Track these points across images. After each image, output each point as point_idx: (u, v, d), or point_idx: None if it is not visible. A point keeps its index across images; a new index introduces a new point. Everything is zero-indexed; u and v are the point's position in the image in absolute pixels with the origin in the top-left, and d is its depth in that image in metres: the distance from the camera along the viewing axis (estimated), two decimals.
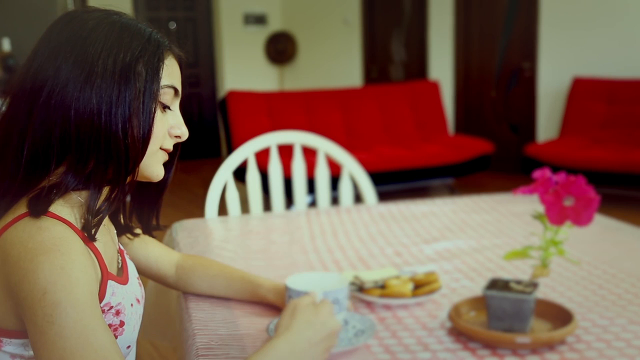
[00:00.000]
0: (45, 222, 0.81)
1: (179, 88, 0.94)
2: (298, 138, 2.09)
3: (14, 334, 0.84)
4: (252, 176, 2.04)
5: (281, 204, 2.09)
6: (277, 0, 7.65)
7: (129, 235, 1.07)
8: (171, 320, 1.46)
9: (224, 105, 5.20)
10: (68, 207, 0.87)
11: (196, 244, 1.59)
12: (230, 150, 5.10)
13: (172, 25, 7.59)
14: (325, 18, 7.34)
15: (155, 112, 0.88)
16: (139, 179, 0.93)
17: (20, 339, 0.84)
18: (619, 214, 2.67)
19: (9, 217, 0.84)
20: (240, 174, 2.24)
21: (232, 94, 5.23)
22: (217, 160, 7.38)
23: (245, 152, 2.03)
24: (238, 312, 1.16)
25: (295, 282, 1.03)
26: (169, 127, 0.93)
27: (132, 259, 1.12)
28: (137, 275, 1.05)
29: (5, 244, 0.80)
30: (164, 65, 0.90)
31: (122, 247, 1.05)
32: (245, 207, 2.06)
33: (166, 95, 0.91)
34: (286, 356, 0.85)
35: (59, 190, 0.85)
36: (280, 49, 7.58)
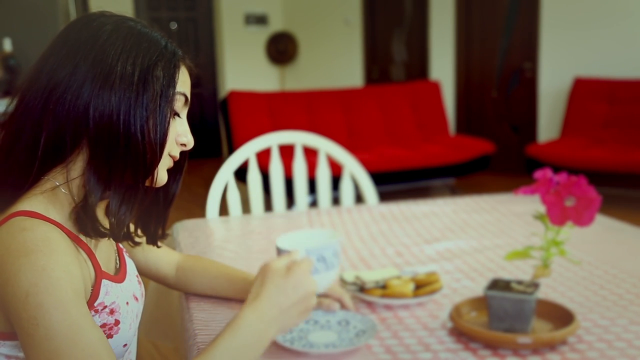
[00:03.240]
0: (30, 223, 0.82)
1: (189, 98, 0.95)
2: (299, 138, 2.09)
3: (7, 336, 0.84)
4: (253, 176, 2.04)
5: (282, 204, 2.09)
6: (278, 0, 7.65)
7: (130, 243, 1.07)
8: (172, 321, 1.46)
9: (225, 105, 5.20)
10: (57, 207, 0.87)
11: (197, 244, 1.59)
12: (231, 150, 5.10)
13: (173, 26, 7.59)
14: (326, 18, 7.34)
15: (170, 116, 0.89)
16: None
17: (14, 341, 0.84)
18: (620, 214, 2.67)
19: (3, 216, 0.84)
20: (241, 174, 2.24)
21: (233, 94, 5.23)
22: (218, 160, 7.38)
23: (247, 152, 2.03)
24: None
25: (285, 241, 1.00)
26: (176, 135, 0.94)
27: (131, 259, 1.12)
28: (136, 273, 1.05)
29: None
30: (180, 73, 0.91)
31: (121, 246, 1.05)
32: (246, 207, 2.06)
33: (178, 102, 0.92)
34: (255, 325, 0.84)
35: (94, 202, 0.85)
36: (281, 49, 7.58)
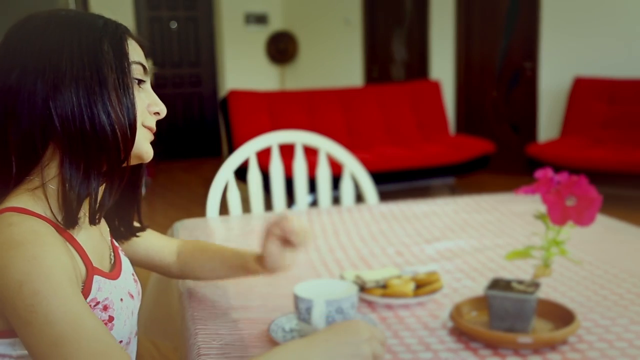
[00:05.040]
0: (17, 218, 0.81)
1: (147, 67, 0.94)
2: (299, 137, 2.09)
3: (0, 333, 0.83)
4: (253, 175, 2.04)
5: (282, 204, 2.09)
6: None
7: (137, 236, 1.08)
8: (172, 319, 1.46)
9: (225, 105, 5.20)
10: (42, 202, 0.86)
11: None
12: (231, 149, 5.09)
13: (173, 25, 7.59)
14: (327, 17, 7.34)
15: (132, 87, 0.89)
16: (131, 161, 0.93)
17: (7, 339, 0.83)
18: (620, 214, 2.66)
19: None
20: (241, 173, 2.23)
21: (233, 94, 5.23)
22: (218, 159, 7.38)
23: (247, 151, 2.03)
24: (239, 312, 1.16)
25: (302, 290, 1.03)
26: (147, 105, 0.94)
27: (133, 254, 1.11)
28: (132, 271, 1.05)
29: None
30: (128, 43, 0.91)
31: (116, 244, 1.05)
32: (246, 206, 2.06)
33: (137, 72, 0.92)
34: (297, 344, 0.83)
35: (81, 197, 0.85)
36: (282, 49, 7.58)
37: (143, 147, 0.93)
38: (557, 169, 1.50)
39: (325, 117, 5.44)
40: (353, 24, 7.09)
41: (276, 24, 7.66)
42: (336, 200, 2.40)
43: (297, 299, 1.00)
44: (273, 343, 1.03)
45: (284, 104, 5.41)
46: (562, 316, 1.05)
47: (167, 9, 7.54)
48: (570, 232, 1.03)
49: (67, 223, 0.86)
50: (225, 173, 1.97)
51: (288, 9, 7.65)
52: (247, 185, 2.06)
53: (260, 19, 7.57)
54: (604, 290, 1.23)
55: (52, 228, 0.84)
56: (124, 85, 0.87)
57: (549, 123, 5.83)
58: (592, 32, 5.48)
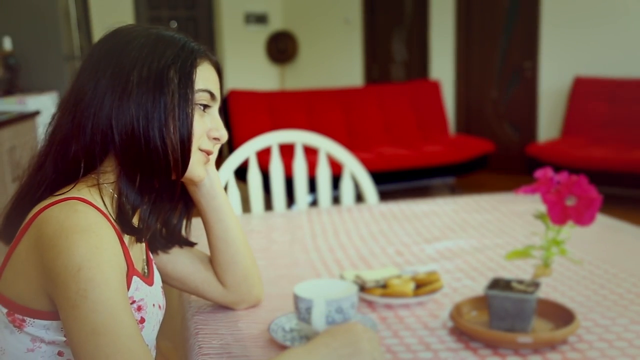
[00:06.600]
0: (82, 207, 0.84)
1: (216, 93, 0.96)
2: (299, 137, 2.09)
3: (39, 314, 0.85)
4: (253, 175, 2.04)
5: (282, 203, 2.09)
6: None
7: (190, 243, 1.11)
8: (172, 319, 1.46)
9: (225, 105, 5.20)
10: (98, 197, 0.90)
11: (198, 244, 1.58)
12: (231, 149, 5.09)
13: (173, 25, 7.59)
14: (327, 17, 7.34)
15: (192, 115, 0.91)
16: (183, 181, 0.97)
17: (44, 320, 0.85)
18: (620, 214, 2.66)
19: (47, 202, 0.86)
20: (241, 173, 2.23)
21: (233, 93, 5.23)
22: (218, 159, 7.37)
23: (247, 151, 2.03)
24: (240, 311, 1.16)
25: (302, 289, 1.03)
26: (208, 130, 0.96)
27: (173, 269, 1.11)
28: (161, 284, 1.07)
29: (42, 222, 0.83)
30: (197, 71, 0.93)
31: (151, 256, 1.06)
32: (246, 206, 2.06)
33: (202, 99, 0.94)
34: (299, 350, 0.85)
35: (135, 207, 0.90)
36: (281, 48, 7.58)
37: (196, 170, 0.96)
38: (557, 169, 1.50)
39: (325, 117, 5.44)
40: (353, 24, 7.09)
41: (276, 24, 7.66)
42: (336, 200, 2.40)
43: (297, 299, 1.01)
44: (273, 343, 1.03)
45: (284, 104, 5.41)
46: (562, 316, 1.05)
47: (167, 9, 7.54)
48: (570, 232, 1.03)
49: (120, 229, 0.91)
50: (225, 173, 1.97)
51: (288, 9, 7.65)
52: (247, 185, 2.06)
53: (260, 19, 7.57)
54: (603, 290, 1.23)
55: (109, 224, 0.87)
56: (184, 113, 0.90)
57: (549, 123, 5.83)
58: (592, 32, 5.48)
